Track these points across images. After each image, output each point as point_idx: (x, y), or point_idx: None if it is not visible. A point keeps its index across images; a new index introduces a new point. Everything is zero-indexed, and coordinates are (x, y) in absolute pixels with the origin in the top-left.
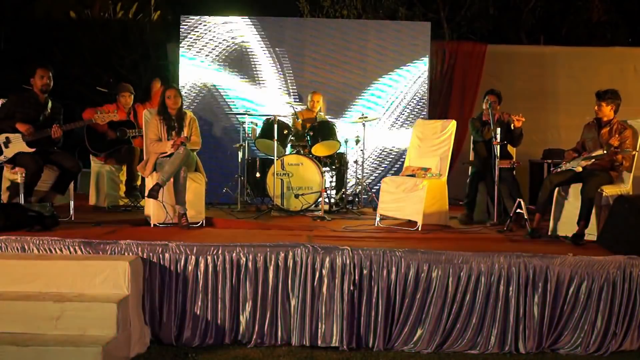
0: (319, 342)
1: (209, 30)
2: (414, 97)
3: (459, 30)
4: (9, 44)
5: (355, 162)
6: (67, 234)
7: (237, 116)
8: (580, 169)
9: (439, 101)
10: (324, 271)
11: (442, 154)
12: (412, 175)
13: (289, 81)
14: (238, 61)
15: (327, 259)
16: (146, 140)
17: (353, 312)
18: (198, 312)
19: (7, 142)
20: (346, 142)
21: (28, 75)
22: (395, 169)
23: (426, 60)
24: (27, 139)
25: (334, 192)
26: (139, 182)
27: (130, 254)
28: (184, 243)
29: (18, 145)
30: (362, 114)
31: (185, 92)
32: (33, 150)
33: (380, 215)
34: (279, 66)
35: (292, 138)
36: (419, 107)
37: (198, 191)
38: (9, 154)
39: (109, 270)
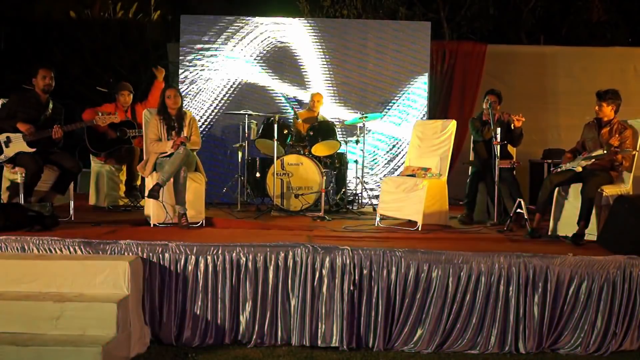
0: (319, 342)
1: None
2: (414, 97)
3: (459, 30)
4: (9, 44)
5: (356, 162)
6: (67, 234)
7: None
8: (580, 169)
9: (439, 101)
10: (324, 271)
11: (442, 153)
12: (412, 175)
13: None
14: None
15: (327, 259)
16: (146, 140)
17: (353, 312)
18: (198, 312)
19: (7, 142)
20: (346, 142)
21: (30, 75)
22: (393, 164)
23: (426, 60)
24: (28, 139)
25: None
26: (139, 182)
27: (130, 254)
28: (184, 243)
29: (18, 145)
30: (362, 114)
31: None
32: (33, 150)
33: (380, 215)
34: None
35: (292, 139)
36: (419, 107)
37: (198, 191)
38: (9, 153)
39: (109, 270)
